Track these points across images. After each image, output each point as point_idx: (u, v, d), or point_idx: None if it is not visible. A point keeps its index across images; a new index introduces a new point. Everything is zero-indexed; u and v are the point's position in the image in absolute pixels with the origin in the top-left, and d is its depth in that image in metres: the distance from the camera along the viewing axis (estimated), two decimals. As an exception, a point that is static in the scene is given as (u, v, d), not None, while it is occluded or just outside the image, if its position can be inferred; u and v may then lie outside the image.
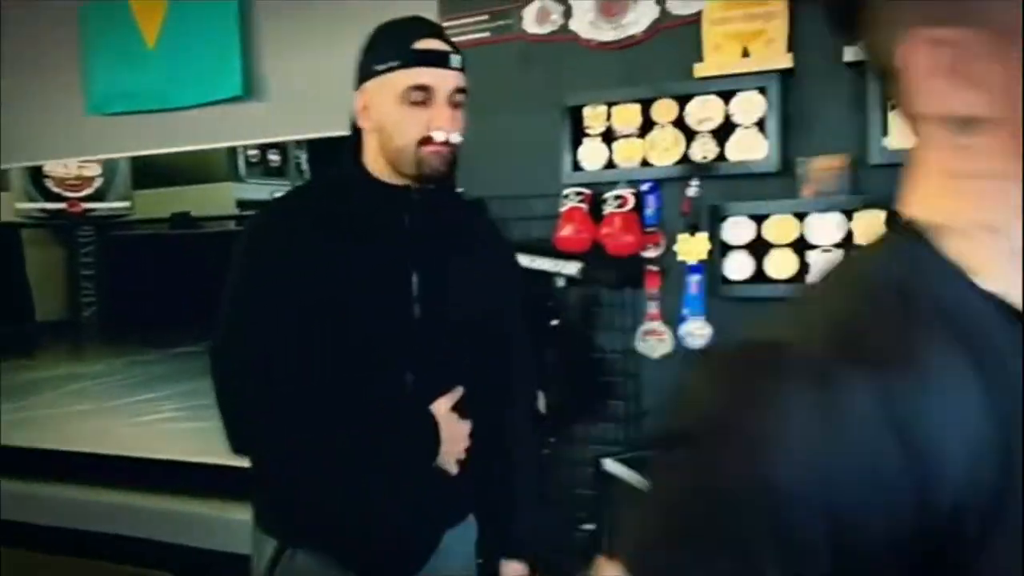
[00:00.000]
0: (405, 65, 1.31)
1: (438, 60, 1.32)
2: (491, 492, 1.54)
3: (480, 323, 1.45)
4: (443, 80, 1.32)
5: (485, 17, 2.69)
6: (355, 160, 1.41)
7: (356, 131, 1.41)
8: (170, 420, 5.57)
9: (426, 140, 1.32)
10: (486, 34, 2.70)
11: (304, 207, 1.40)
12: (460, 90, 1.36)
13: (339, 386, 1.32)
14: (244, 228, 1.38)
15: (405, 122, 1.32)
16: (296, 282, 1.29)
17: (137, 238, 10.41)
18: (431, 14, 2.78)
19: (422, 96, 1.31)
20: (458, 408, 1.41)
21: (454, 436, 1.39)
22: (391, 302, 1.36)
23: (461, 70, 1.37)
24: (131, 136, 3.39)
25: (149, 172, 9.40)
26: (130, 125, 3.35)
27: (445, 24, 2.84)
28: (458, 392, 1.41)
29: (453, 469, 1.40)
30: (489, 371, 1.49)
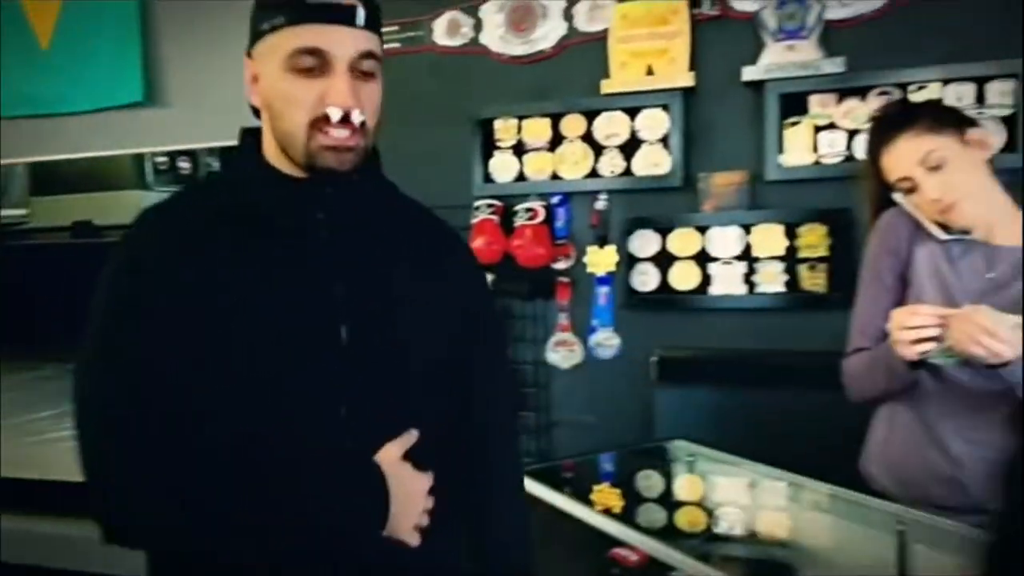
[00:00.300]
0: (293, 22, 0.99)
1: (336, 15, 0.99)
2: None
3: (436, 338, 1.11)
4: (342, 41, 0.98)
5: (395, 28, 2.70)
6: (254, 149, 1.10)
7: (257, 112, 1.11)
8: (72, 439, 5.33)
9: (321, 122, 1.00)
10: (396, 45, 2.71)
11: (193, 208, 1.08)
12: (369, 55, 1.01)
13: (247, 428, 0.98)
14: (122, 236, 1.06)
15: (291, 97, 1.00)
16: (184, 299, 0.98)
17: (35, 247, 9.94)
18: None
19: (313, 62, 0.98)
20: (411, 455, 1.05)
21: (409, 494, 1.03)
22: (308, 319, 1.02)
23: (372, 29, 1.02)
24: (27, 141, 3.26)
25: (48, 178, 8.98)
26: (26, 129, 3.22)
27: (355, 34, 2.84)
28: (411, 436, 1.06)
29: (412, 539, 1.04)
30: (453, 398, 1.15)
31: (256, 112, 1.10)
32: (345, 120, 0.99)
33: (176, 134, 3.16)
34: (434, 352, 1.11)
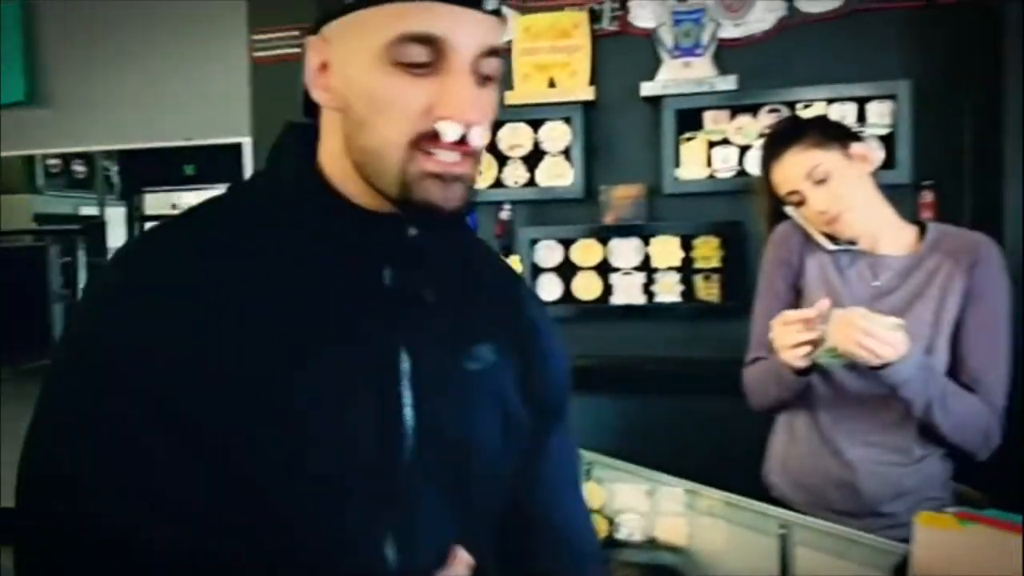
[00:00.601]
0: None
1: None
2: None
3: (513, 447, 0.85)
4: (466, 29, 0.70)
5: (295, 33, 2.64)
6: (305, 159, 0.80)
7: (310, 107, 0.80)
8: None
9: (426, 140, 0.71)
10: (298, 50, 2.65)
11: (207, 245, 0.75)
12: (492, 52, 0.73)
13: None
14: (90, 288, 0.77)
15: (389, 100, 0.70)
16: (183, 385, 0.69)
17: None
18: (239, 25, 2.72)
19: (426, 55, 0.70)
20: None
21: None
22: (359, 418, 0.74)
23: (497, 13, 0.74)
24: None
25: (-75, 181, 8.46)
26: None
27: (255, 38, 2.78)
28: (462, 562, 0.78)
29: None
30: (520, 524, 0.88)
31: (308, 109, 0.80)
32: (461, 140, 0.71)
33: (63, 136, 3.03)
34: (509, 456, 0.84)
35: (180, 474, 0.68)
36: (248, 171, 2.83)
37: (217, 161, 3.04)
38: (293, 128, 0.82)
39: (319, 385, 0.72)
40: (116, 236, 4.89)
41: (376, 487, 0.74)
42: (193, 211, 0.80)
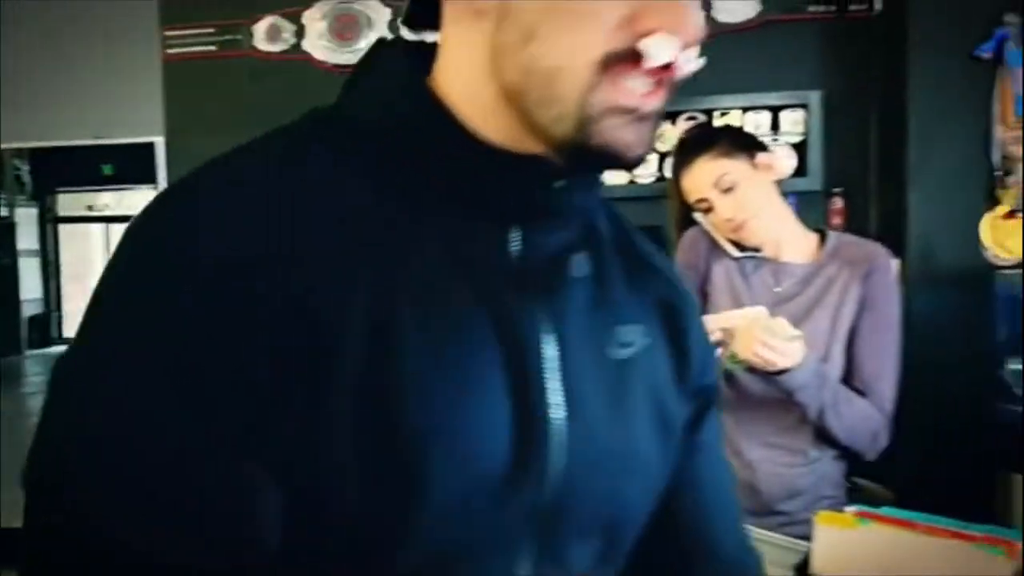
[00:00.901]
0: None
1: None
2: None
3: (669, 450, 0.68)
4: None
5: (211, 30, 2.58)
6: (416, 80, 0.56)
7: (420, 14, 0.59)
8: None
9: (618, 62, 0.50)
10: (212, 48, 2.59)
11: (261, 195, 0.50)
12: None
13: None
14: (128, 235, 0.52)
15: (577, 6, 0.50)
16: (260, 370, 0.48)
17: None
18: (150, 21, 2.64)
19: None
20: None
21: None
22: (491, 419, 0.55)
23: None
24: None
25: None
26: None
27: (167, 34, 2.71)
28: None
29: None
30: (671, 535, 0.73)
31: (414, 18, 0.60)
32: (666, 65, 0.51)
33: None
34: (664, 462, 0.68)
35: (223, 482, 0.49)
36: (161, 171, 2.76)
37: (133, 161, 2.95)
38: (385, 44, 0.59)
39: (434, 377, 0.53)
40: (27, 238, 4.70)
41: (512, 504, 0.56)
42: (244, 150, 0.55)
